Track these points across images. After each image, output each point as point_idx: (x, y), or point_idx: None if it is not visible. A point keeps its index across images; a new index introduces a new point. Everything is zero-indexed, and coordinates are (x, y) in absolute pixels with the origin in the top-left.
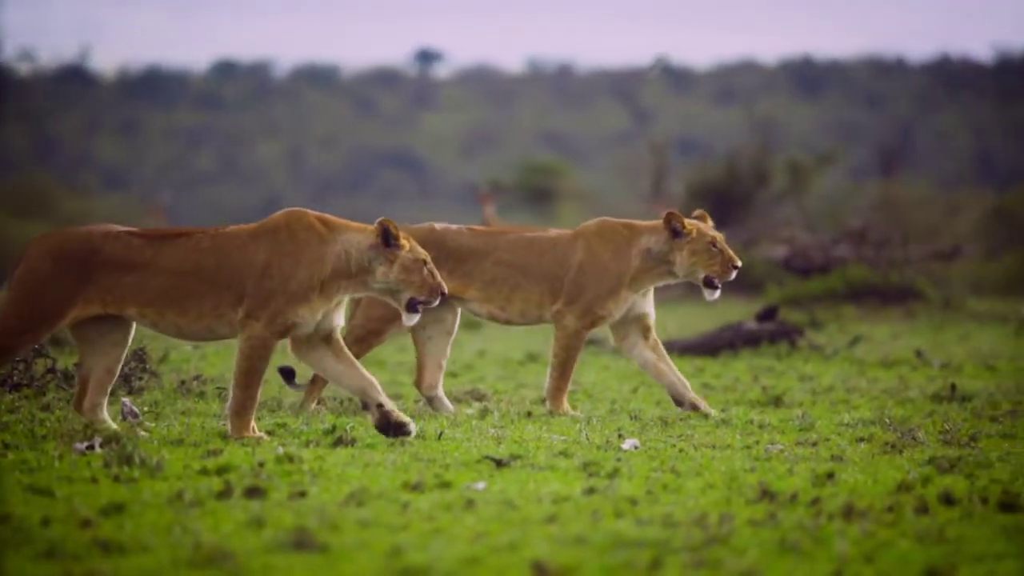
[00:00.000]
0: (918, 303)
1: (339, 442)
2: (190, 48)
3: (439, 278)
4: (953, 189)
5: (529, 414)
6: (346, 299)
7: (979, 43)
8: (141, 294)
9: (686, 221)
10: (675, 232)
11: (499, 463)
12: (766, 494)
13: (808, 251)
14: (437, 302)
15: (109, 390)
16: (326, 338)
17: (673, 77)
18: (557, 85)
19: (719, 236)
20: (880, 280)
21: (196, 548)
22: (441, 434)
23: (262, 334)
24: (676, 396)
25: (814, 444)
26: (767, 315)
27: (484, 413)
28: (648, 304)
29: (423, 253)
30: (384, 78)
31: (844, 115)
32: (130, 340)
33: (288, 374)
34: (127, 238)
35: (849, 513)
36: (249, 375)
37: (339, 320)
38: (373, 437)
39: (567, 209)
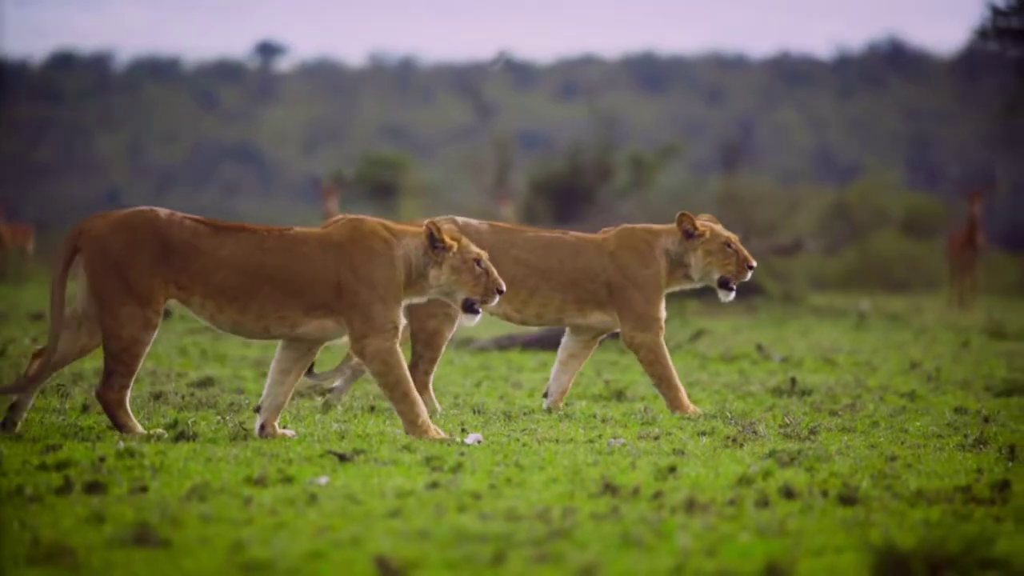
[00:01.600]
0: (759, 298)
1: (181, 437)
2: (28, 39)
3: (495, 275)
4: (793, 184)
5: (372, 408)
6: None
7: (818, 40)
8: (206, 284)
9: (699, 222)
10: (688, 233)
11: (342, 458)
12: (608, 488)
13: None
14: (495, 301)
15: (59, 368)
16: (314, 346)
17: (515, 72)
18: (399, 79)
19: (733, 237)
20: None
21: (35, 544)
22: (284, 428)
23: (384, 345)
24: (552, 392)
25: (656, 438)
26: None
27: (327, 407)
28: None
29: (475, 252)
30: (225, 71)
31: (686, 110)
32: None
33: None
34: (192, 224)
35: (691, 507)
36: (399, 386)
37: None
38: (215, 432)
39: (410, 203)
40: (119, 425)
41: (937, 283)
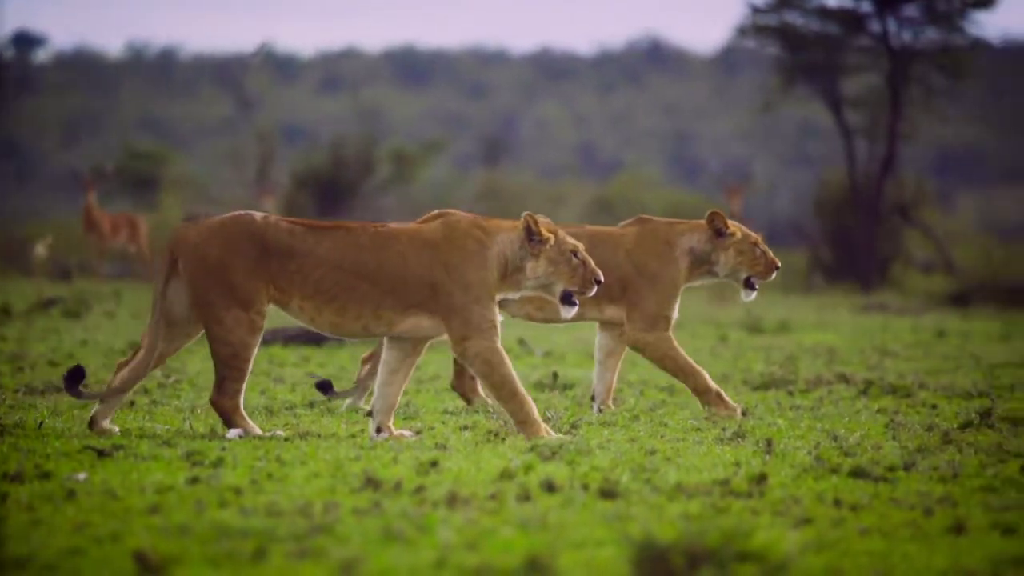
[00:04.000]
0: None
1: None
2: None
3: (592, 266)
4: (556, 179)
5: (132, 404)
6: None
7: (579, 36)
8: (304, 286)
9: (729, 221)
10: (718, 232)
11: (101, 453)
12: (371, 482)
13: None
14: (593, 291)
15: (148, 373)
16: (418, 344)
17: (277, 64)
18: (159, 71)
19: (760, 237)
20: None
21: None
22: (41, 424)
23: (486, 345)
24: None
25: (418, 432)
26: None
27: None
28: None
29: (572, 243)
30: None
31: (448, 104)
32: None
33: (326, 387)
34: (288, 225)
35: (452, 501)
36: (506, 385)
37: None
38: None
39: (170, 197)
40: (239, 429)
41: None
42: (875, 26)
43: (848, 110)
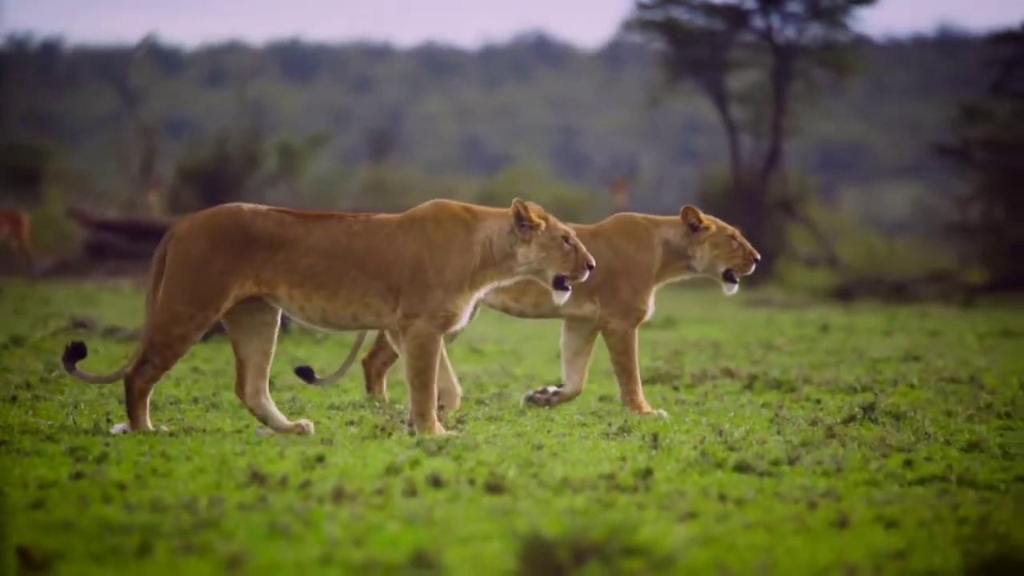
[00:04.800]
0: None
1: None
2: None
3: (584, 251)
4: (442, 173)
5: (15, 399)
6: (488, 289)
7: (465, 30)
8: (291, 273)
9: (703, 216)
10: (692, 227)
11: None
12: (256, 477)
13: None
14: (585, 276)
15: (268, 373)
16: (450, 336)
17: (161, 58)
18: (41, 64)
19: (737, 230)
20: None
21: None
22: None
23: (426, 330)
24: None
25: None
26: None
27: None
28: None
29: (563, 229)
30: None
31: (334, 99)
32: (279, 321)
33: (306, 373)
34: (278, 215)
35: (338, 496)
36: (424, 374)
37: (468, 314)
38: None
39: (54, 191)
40: (132, 416)
41: None
42: (759, 22)
43: (733, 106)
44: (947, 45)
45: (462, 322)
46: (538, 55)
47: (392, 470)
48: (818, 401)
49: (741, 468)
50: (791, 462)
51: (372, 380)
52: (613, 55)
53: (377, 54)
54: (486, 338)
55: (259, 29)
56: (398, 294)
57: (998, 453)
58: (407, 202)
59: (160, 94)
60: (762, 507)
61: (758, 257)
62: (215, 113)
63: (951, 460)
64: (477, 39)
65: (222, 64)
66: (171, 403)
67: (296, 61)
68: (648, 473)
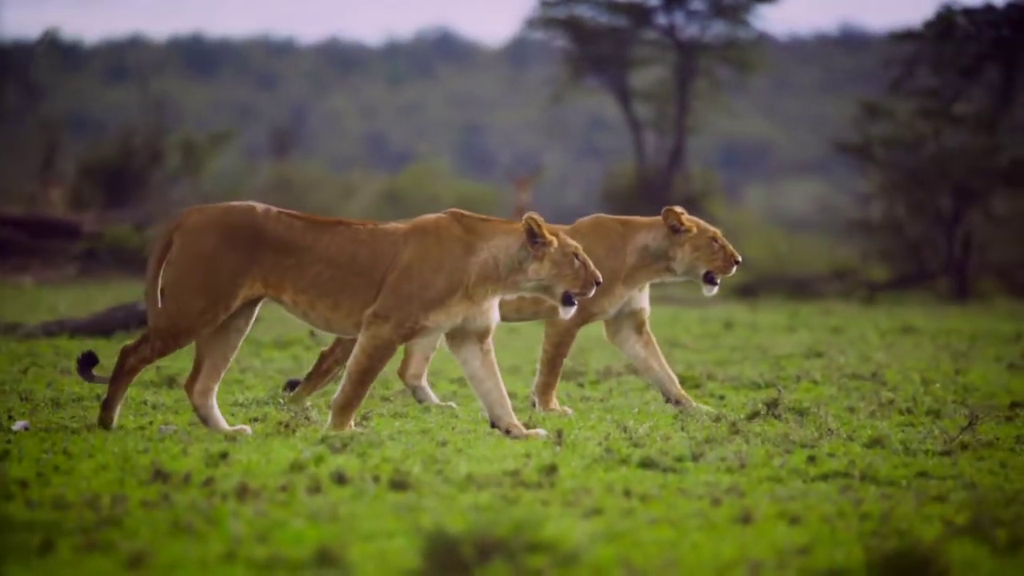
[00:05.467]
0: None
1: None
2: None
3: (592, 268)
4: (346, 170)
5: None
6: (498, 299)
7: (368, 27)
8: (299, 279)
9: (685, 217)
10: (674, 229)
11: None
12: (159, 475)
13: None
14: (592, 292)
15: (222, 377)
16: (479, 335)
17: (63, 53)
18: None
19: (718, 232)
20: None
21: None
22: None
23: (389, 336)
24: (664, 392)
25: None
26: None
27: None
28: (644, 300)
29: (573, 245)
30: None
31: (237, 95)
32: (249, 328)
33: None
34: (288, 219)
35: (242, 493)
36: (366, 374)
37: (493, 319)
38: None
39: None
40: (110, 390)
41: None
42: (662, 19)
43: (637, 103)
44: (849, 43)
45: (441, 331)
46: (442, 52)
47: (296, 467)
48: (722, 397)
49: (645, 464)
50: (695, 458)
51: (317, 375)
52: (517, 52)
53: (281, 50)
54: None
55: (161, 24)
56: None
57: (900, 449)
58: (310, 199)
59: (62, 90)
60: (666, 503)
61: (739, 259)
62: (118, 109)
63: (854, 456)
64: (381, 36)
65: (124, 60)
66: (74, 400)
67: (199, 57)
68: (553, 469)
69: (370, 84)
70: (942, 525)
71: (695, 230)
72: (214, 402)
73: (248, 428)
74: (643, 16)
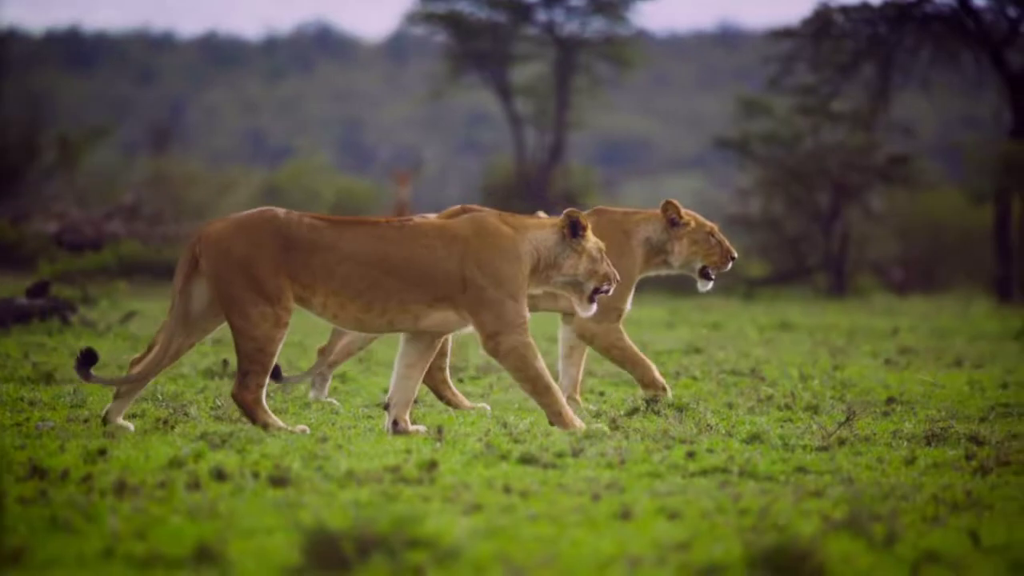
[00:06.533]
0: None
1: None
2: None
3: (611, 265)
4: (225, 165)
5: None
6: None
7: (247, 21)
8: (328, 281)
9: (683, 211)
10: (672, 222)
11: None
12: (37, 471)
13: (80, 226)
14: (612, 290)
15: (163, 368)
16: (438, 340)
17: None
18: None
19: (716, 227)
20: (153, 255)
21: None
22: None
23: (518, 340)
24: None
25: (86, 420)
26: (38, 291)
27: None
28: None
29: (598, 241)
30: None
31: (115, 89)
32: (214, 330)
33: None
34: (311, 221)
35: (121, 489)
36: (539, 380)
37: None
38: None
39: None
40: (261, 424)
41: None
42: (542, 16)
43: (517, 99)
44: (727, 41)
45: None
46: (321, 47)
47: (175, 463)
48: (602, 393)
49: (526, 460)
50: (575, 454)
51: (439, 387)
52: (397, 47)
53: (159, 44)
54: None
55: (37, 17)
56: (444, 303)
57: (778, 444)
58: (188, 195)
59: None
60: (546, 499)
61: (735, 255)
62: None
63: (732, 452)
64: (260, 30)
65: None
66: None
67: (76, 51)
68: (433, 465)
69: (249, 79)
70: (820, 520)
71: (693, 224)
72: (140, 392)
73: (304, 427)
74: (523, 12)
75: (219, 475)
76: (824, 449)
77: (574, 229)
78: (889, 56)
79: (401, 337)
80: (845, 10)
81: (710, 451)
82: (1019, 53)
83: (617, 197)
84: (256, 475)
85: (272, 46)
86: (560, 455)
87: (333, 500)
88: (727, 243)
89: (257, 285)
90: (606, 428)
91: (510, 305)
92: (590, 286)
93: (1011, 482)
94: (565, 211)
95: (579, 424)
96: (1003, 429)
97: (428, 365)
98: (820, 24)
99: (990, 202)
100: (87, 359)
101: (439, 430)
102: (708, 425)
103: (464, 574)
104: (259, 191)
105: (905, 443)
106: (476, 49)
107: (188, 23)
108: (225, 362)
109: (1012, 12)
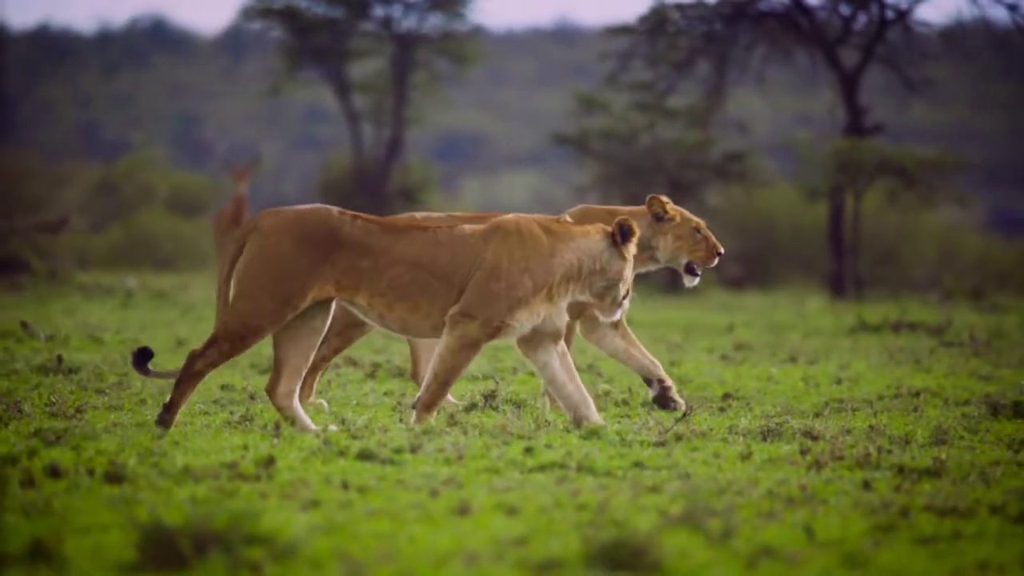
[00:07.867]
0: (24, 275)
1: None
2: None
3: (713, 240)
4: (59, 160)
5: None
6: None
7: (80, 14)
8: (375, 282)
9: (669, 206)
10: (657, 217)
11: None
12: None
13: None
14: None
15: (303, 377)
16: (552, 337)
17: None
18: None
19: (702, 223)
20: None
21: None
22: None
23: (476, 335)
24: (646, 377)
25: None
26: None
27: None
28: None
29: (700, 220)
30: None
31: None
32: (327, 327)
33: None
34: (364, 222)
35: None
36: (452, 373)
37: (564, 319)
38: None
39: None
40: (177, 392)
41: (204, 261)
42: (380, 11)
43: (355, 94)
44: (564, 37)
45: (523, 331)
46: (156, 41)
47: (9, 460)
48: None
49: (364, 456)
50: (413, 450)
51: (310, 372)
52: (234, 42)
53: None
54: (106, 326)
55: None
56: None
57: (616, 440)
58: (22, 190)
59: None
60: (384, 495)
61: (721, 251)
62: None
63: (570, 447)
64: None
65: None
66: None
67: None
68: (271, 461)
69: (83, 72)
70: (657, 515)
71: (679, 219)
72: (298, 403)
73: (333, 426)
74: (360, 8)
75: (54, 472)
76: (661, 445)
77: (624, 235)
78: (724, 53)
79: (535, 367)
80: (681, 7)
81: (548, 447)
82: (852, 51)
83: (456, 193)
84: (91, 472)
85: (105, 40)
86: (398, 451)
87: (169, 497)
88: (713, 239)
89: (283, 283)
90: (78, 425)
91: (502, 306)
92: (622, 289)
93: (845, 477)
94: (618, 219)
95: (428, 422)
96: (837, 424)
97: (573, 368)
98: (656, 21)
99: (824, 199)
100: (143, 356)
101: (276, 426)
102: (546, 420)
103: (302, 571)
104: (93, 186)
105: (741, 439)
106: (313, 45)
107: (19, 16)
108: (59, 358)
109: (845, 10)
